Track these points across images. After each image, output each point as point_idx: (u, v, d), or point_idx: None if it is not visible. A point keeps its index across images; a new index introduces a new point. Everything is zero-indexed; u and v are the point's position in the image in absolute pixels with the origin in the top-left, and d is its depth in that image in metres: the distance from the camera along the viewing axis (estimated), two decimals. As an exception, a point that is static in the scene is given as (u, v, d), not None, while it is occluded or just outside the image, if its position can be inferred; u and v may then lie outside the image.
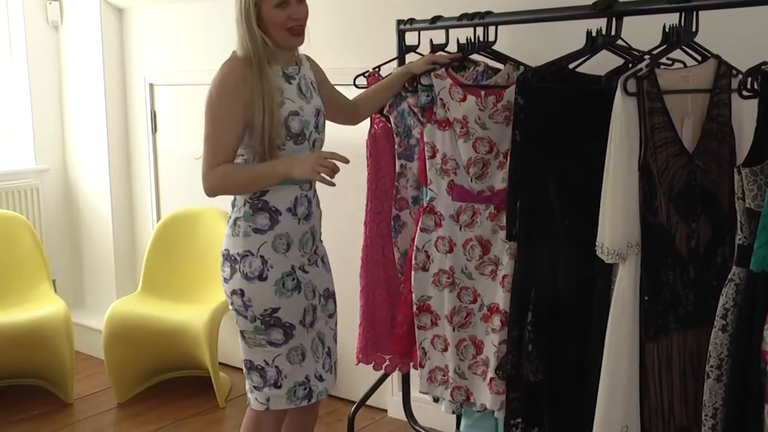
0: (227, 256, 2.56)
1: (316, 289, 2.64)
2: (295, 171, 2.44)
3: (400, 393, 3.56)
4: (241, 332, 2.60)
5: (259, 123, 2.43)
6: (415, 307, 2.74)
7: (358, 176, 3.03)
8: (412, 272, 2.74)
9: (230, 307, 2.60)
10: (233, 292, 2.54)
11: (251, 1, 2.44)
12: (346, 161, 2.44)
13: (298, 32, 2.51)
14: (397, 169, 2.98)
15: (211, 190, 2.51)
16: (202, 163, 2.50)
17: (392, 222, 3.01)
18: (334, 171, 2.42)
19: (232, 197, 2.59)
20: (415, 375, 3.12)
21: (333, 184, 2.43)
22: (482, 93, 2.60)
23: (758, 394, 1.89)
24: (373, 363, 3.14)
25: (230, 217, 2.58)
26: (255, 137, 2.46)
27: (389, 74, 2.93)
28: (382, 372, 3.19)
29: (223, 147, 2.48)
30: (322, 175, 2.41)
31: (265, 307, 2.52)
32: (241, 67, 2.45)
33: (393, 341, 2.97)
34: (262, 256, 2.51)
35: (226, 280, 2.57)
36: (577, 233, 2.30)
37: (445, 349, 2.76)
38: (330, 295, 2.74)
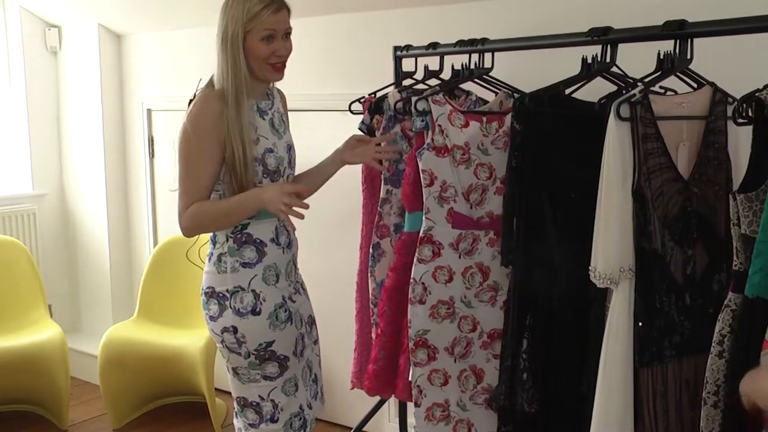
0: (212, 294, 2.50)
1: (302, 318, 2.64)
2: (266, 206, 2.38)
3: (397, 419, 3.55)
4: (233, 369, 2.55)
5: (239, 160, 2.38)
6: (411, 343, 2.66)
7: (353, 201, 3.03)
8: (410, 306, 2.65)
9: (220, 345, 2.54)
10: (224, 330, 2.49)
11: (239, 28, 2.38)
12: (305, 207, 2.37)
13: (279, 68, 2.47)
14: (382, 194, 2.91)
15: (188, 230, 2.47)
16: (178, 202, 2.46)
17: (371, 249, 2.94)
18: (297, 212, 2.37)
19: (211, 233, 2.54)
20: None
21: (302, 217, 2.37)
22: (484, 119, 2.59)
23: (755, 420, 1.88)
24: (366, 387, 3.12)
25: (211, 253, 2.52)
26: (229, 174, 2.41)
27: (323, 160, 2.77)
28: (378, 397, 3.18)
29: (198, 186, 2.43)
30: (287, 215, 2.35)
31: (260, 341, 2.48)
32: (216, 101, 2.39)
33: (368, 377, 2.88)
34: (253, 290, 2.47)
35: (213, 318, 2.51)
36: (574, 258, 2.29)
37: (445, 383, 2.69)
38: (313, 322, 2.74)
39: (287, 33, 2.47)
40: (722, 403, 1.96)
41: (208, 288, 2.52)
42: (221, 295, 2.48)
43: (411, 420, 3.47)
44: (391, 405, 3.69)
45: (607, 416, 2.16)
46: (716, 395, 1.96)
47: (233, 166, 2.39)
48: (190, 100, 2.52)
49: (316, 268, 3.93)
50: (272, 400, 2.54)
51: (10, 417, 4.20)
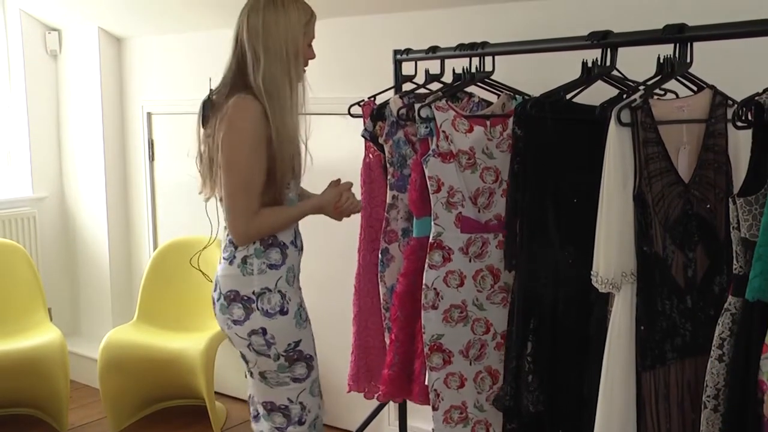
0: (235, 298, 2.47)
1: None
2: (325, 213, 2.63)
3: (397, 422, 3.54)
4: (261, 374, 2.53)
5: (286, 164, 2.41)
6: (426, 348, 2.66)
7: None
8: (423, 311, 2.65)
9: (247, 349, 2.51)
10: (252, 333, 2.47)
11: (300, 33, 2.46)
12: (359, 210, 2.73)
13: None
14: (389, 200, 2.92)
15: (253, 237, 2.46)
16: (238, 211, 2.41)
17: (380, 255, 2.95)
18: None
19: (227, 237, 2.54)
20: (411, 403, 3.11)
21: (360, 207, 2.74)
22: (488, 123, 2.60)
23: (756, 424, 1.88)
24: (366, 391, 3.12)
25: (233, 256, 2.49)
26: (272, 178, 2.41)
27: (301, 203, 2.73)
28: (377, 401, 3.18)
29: (256, 191, 2.41)
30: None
31: (288, 341, 2.49)
32: (258, 105, 2.38)
33: (383, 382, 2.89)
34: (280, 291, 2.48)
35: (238, 322, 2.48)
36: (577, 262, 2.30)
37: (461, 386, 2.70)
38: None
39: None
40: (722, 407, 1.96)
41: (229, 291, 2.49)
42: (246, 298, 2.46)
43: (411, 423, 3.48)
44: (391, 408, 3.69)
45: (610, 419, 2.16)
46: (716, 399, 1.96)
47: (280, 170, 2.41)
48: (204, 103, 2.52)
49: (314, 271, 3.92)
50: (301, 403, 2.55)
51: (10, 420, 4.19)
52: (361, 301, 3.09)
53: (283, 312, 2.47)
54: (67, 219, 5.08)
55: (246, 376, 2.66)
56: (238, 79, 2.45)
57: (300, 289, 2.63)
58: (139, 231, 4.91)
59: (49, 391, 4.04)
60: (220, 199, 2.52)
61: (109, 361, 3.99)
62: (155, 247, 4.75)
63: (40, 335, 4.08)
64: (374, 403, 3.32)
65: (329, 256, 3.80)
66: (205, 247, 2.80)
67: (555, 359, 2.42)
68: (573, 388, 2.37)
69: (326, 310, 3.94)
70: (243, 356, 2.56)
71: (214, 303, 2.56)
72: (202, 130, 2.54)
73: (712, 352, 1.97)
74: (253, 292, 2.46)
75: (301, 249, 2.62)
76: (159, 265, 4.35)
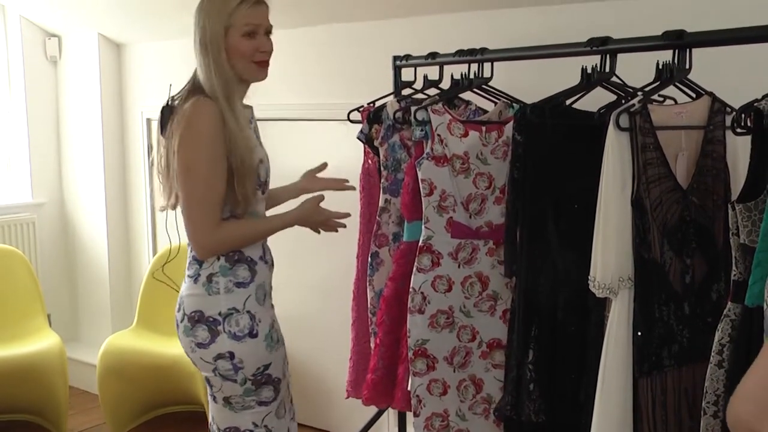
0: (200, 319, 2.32)
1: (281, 336, 2.51)
2: (304, 224, 2.52)
3: (396, 429, 3.54)
4: (226, 399, 2.38)
5: (248, 168, 2.27)
6: (411, 353, 2.63)
7: (351, 210, 3.04)
8: (409, 315, 2.62)
9: (211, 373, 2.36)
10: (218, 357, 2.32)
11: (219, 26, 2.26)
12: (346, 217, 2.59)
13: (264, 65, 2.36)
14: (381, 203, 2.89)
15: (215, 251, 2.32)
16: (197, 222, 2.28)
17: (369, 258, 2.92)
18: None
19: (191, 253, 2.39)
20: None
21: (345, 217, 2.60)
22: (483, 129, 2.59)
23: (755, 430, 1.88)
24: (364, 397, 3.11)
25: (198, 274, 2.35)
26: (232, 185, 2.26)
27: (290, 184, 2.80)
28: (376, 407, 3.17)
29: (217, 200, 2.26)
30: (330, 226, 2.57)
31: (258, 365, 2.35)
32: (215, 106, 2.24)
33: (366, 387, 2.85)
34: (249, 311, 2.33)
35: (202, 345, 2.33)
36: (578, 268, 2.29)
37: (444, 393, 2.67)
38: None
39: (268, 31, 2.37)
40: (722, 413, 1.96)
41: (193, 312, 2.35)
42: (211, 319, 2.32)
43: (410, 430, 3.47)
44: (390, 415, 3.68)
45: (607, 425, 2.15)
46: (716, 405, 1.96)
47: (240, 175, 2.26)
48: (163, 109, 2.37)
49: (313, 277, 3.93)
50: (266, 426, 2.42)
51: (9, 427, 4.19)
52: (360, 307, 3.08)
53: (252, 335, 2.33)
54: (67, 225, 5.08)
55: (208, 401, 2.52)
56: (197, 83, 2.33)
57: (273, 307, 2.49)
58: (139, 236, 4.91)
59: (48, 397, 4.03)
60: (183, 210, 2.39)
61: (108, 367, 3.99)
62: (155, 252, 4.75)
63: (40, 341, 4.08)
64: (373, 410, 3.31)
65: (329, 262, 3.80)
66: (168, 261, 2.76)
67: (557, 367, 2.41)
68: (573, 396, 2.37)
69: (326, 316, 3.95)
70: (207, 380, 2.42)
71: (177, 324, 2.43)
72: (161, 137, 2.39)
73: (711, 358, 1.96)
74: (219, 313, 2.32)
75: (272, 264, 2.49)
76: (158, 270, 4.34)
